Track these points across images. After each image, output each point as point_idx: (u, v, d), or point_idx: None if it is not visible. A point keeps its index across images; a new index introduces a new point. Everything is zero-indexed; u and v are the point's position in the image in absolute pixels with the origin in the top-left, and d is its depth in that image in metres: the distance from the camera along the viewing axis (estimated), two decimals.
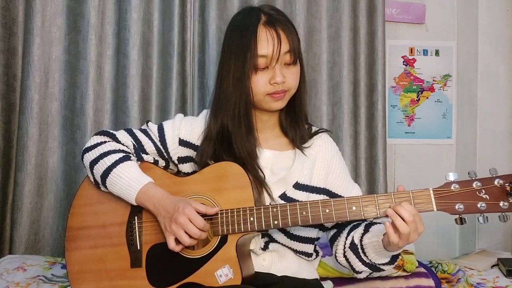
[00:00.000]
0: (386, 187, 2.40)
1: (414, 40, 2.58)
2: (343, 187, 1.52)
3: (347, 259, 1.45)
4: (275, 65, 1.40)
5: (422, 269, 2.02)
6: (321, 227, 1.51)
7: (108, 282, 1.44)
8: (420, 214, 1.27)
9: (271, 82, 1.41)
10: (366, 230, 1.41)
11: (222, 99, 1.44)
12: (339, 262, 1.49)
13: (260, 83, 1.40)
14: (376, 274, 1.49)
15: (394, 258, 1.39)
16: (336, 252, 1.49)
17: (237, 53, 1.40)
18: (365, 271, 1.43)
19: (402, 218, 1.24)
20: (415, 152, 2.59)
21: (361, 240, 1.40)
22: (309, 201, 1.34)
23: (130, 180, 1.40)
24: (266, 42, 1.39)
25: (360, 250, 1.40)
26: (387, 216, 1.29)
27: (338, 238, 1.49)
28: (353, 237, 1.43)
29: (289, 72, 1.43)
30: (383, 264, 1.40)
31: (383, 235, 1.32)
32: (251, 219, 1.33)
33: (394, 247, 1.30)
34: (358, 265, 1.42)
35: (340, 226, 1.50)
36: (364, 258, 1.40)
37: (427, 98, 2.60)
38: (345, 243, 1.45)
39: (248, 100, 1.41)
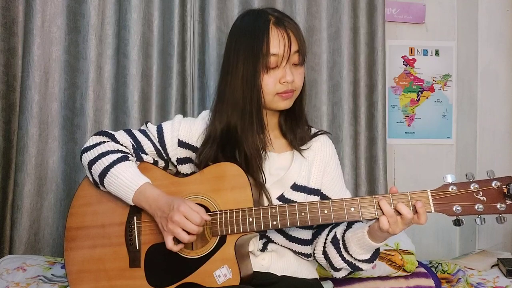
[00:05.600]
0: (386, 187, 2.40)
1: (414, 40, 2.58)
2: (334, 191, 1.52)
3: (326, 256, 1.45)
4: (285, 64, 1.41)
5: (422, 269, 2.03)
6: (307, 227, 1.50)
7: (106, 282, 1.44)
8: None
9: (281, 81, 1.42)
10: (349, 226, 1.43)
11: (229, 100, 1.43)
12: (317, 260, 1.50)
13: (270, 82, 1.41)
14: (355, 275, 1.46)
15: (375, 254, 1.40)
16: (315, 249, 1.49)
17: (247, 54, 1.41)
18: (344, 269, 1.44)
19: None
20: (415, 152, 2.60)
21: (343, 235, 1.41)
22: (307, 202, 1.34)
23: (127, 181, 1.40)
24: (277, 41, 1.40)
25: (341, 245, 1.41)
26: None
27: (319, 236, 1.49)
28: (335, 232, 1.44)
29: (297, 73, 1.45)
30: (363, 261, 1.40)
31: (371, 225, 1.33)
32: (250, 219, 1.34)
33: (381, 236, 1.31)
34: (338, 261, 1.42)
35: (321, 226, 1.50)
36: (345, 254, 1.41)
37: (427, 98, 2.60)
38: (326, 239, 1.46)
39: (260, 99, 1.42)
